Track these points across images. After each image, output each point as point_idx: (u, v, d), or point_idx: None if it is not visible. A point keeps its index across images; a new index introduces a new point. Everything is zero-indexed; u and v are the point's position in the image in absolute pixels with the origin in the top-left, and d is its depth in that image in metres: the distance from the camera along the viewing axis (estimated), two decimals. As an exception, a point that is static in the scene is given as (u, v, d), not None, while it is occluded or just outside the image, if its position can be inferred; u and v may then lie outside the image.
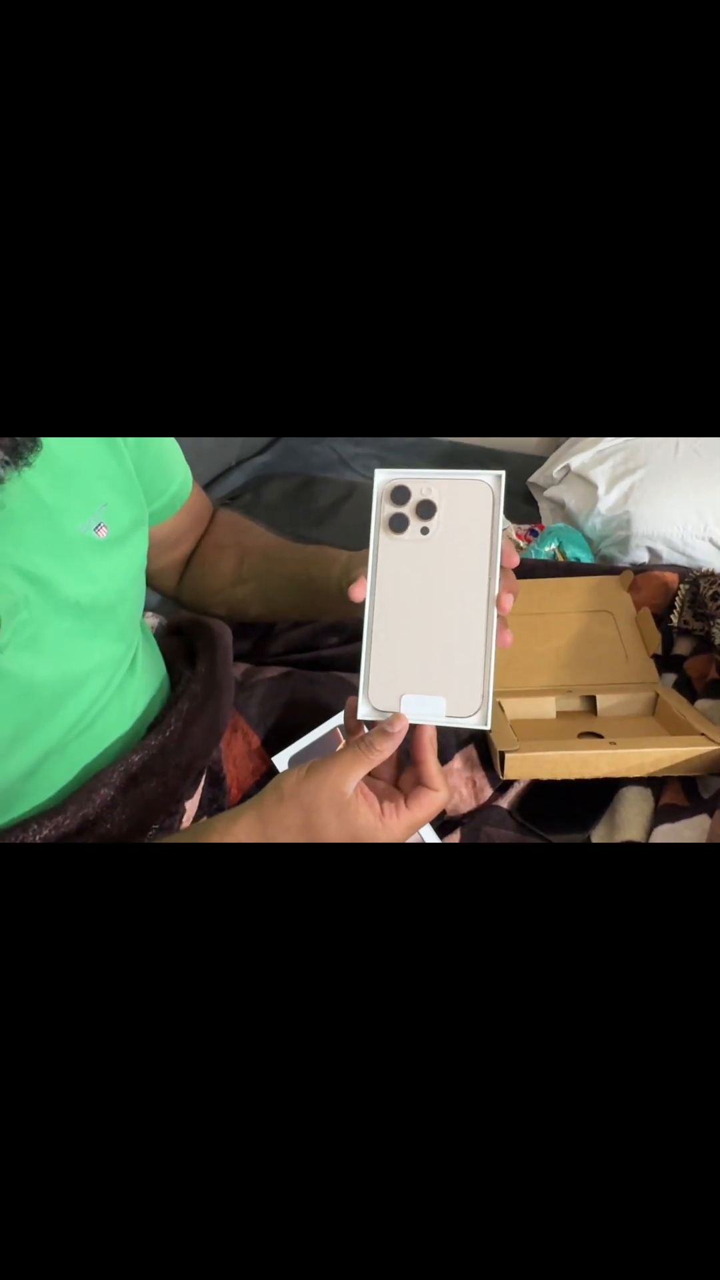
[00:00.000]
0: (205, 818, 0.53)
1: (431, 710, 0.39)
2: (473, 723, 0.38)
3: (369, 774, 0.40)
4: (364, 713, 0.40)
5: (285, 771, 0.39)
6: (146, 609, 0.81)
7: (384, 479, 0.40)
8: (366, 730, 0.40)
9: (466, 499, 0.39)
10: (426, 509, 0.39)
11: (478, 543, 0.39)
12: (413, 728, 0.39)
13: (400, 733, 0.38)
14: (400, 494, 0.39)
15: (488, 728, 0.38)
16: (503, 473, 0.39)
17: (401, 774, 0.42)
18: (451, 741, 0.60)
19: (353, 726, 0.41)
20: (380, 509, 0.40)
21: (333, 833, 0.38)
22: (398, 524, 0.39)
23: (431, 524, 0.39)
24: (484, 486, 0.39)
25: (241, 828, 0.38)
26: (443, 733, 0.41)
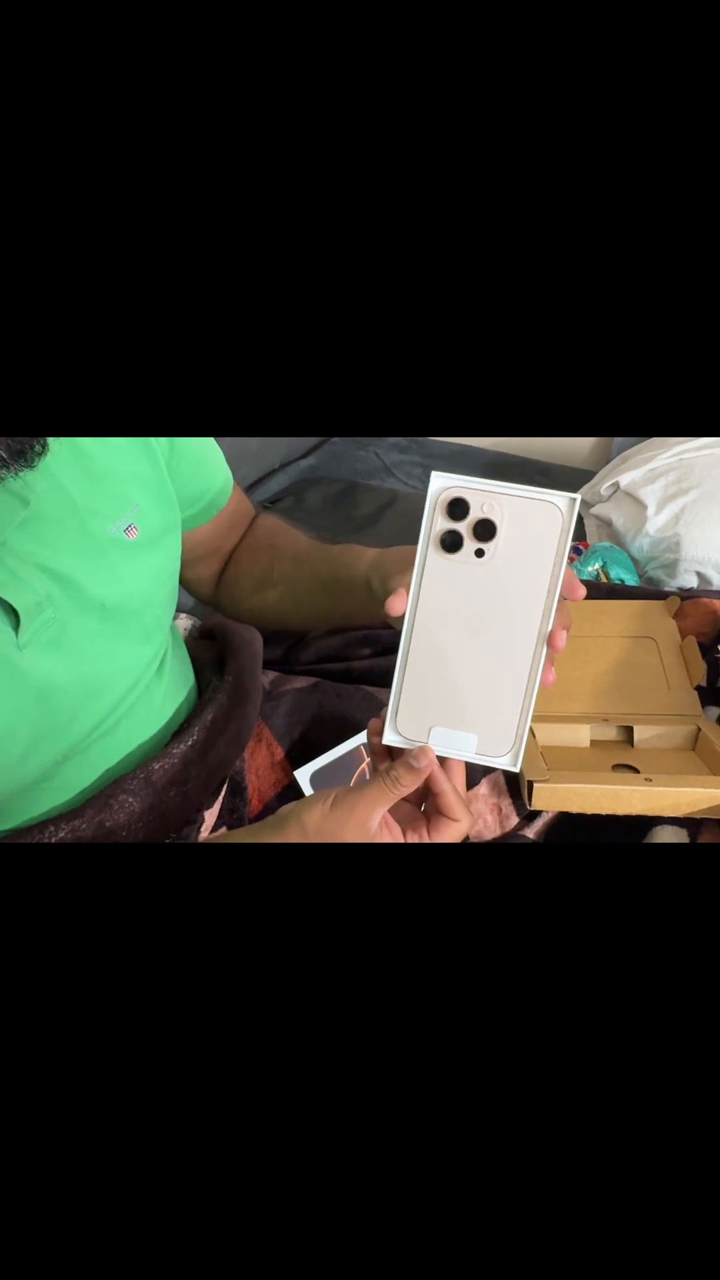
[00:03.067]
0: (224, 827, 0.53)
1: (461, 746, 0.37)
2: (503, 763, 0.37)
3: None
4: (389, 739, 0.38)
5: (309, 801, 0.38)
6: (180, 611, 0.82)
7: (440, 485, 0.35)
8: (390, 754, 0.39)
9: (532, 522, 0.34)
10: (486, 529, 0.35)
11: (538, 573, 0.35)
12: (441, 756, 0.38)
13: (427, 768, 0.37)
14: (458, 507, 0.35)
15: (518, 769, 0.36)
16: (578, 497, 0.34)
17: (427, 797, 0.40)
18: (478, 765, 0.58)
19: (376, 748, 0.40)
20: (433, 521, 0.35)
21: None
22: (451, 542, 0.35)
23: (489, 547, 0.35)
24: (554, 510, 0.34)
25: None
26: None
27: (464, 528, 0.35)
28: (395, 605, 0.36)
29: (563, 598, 0.35)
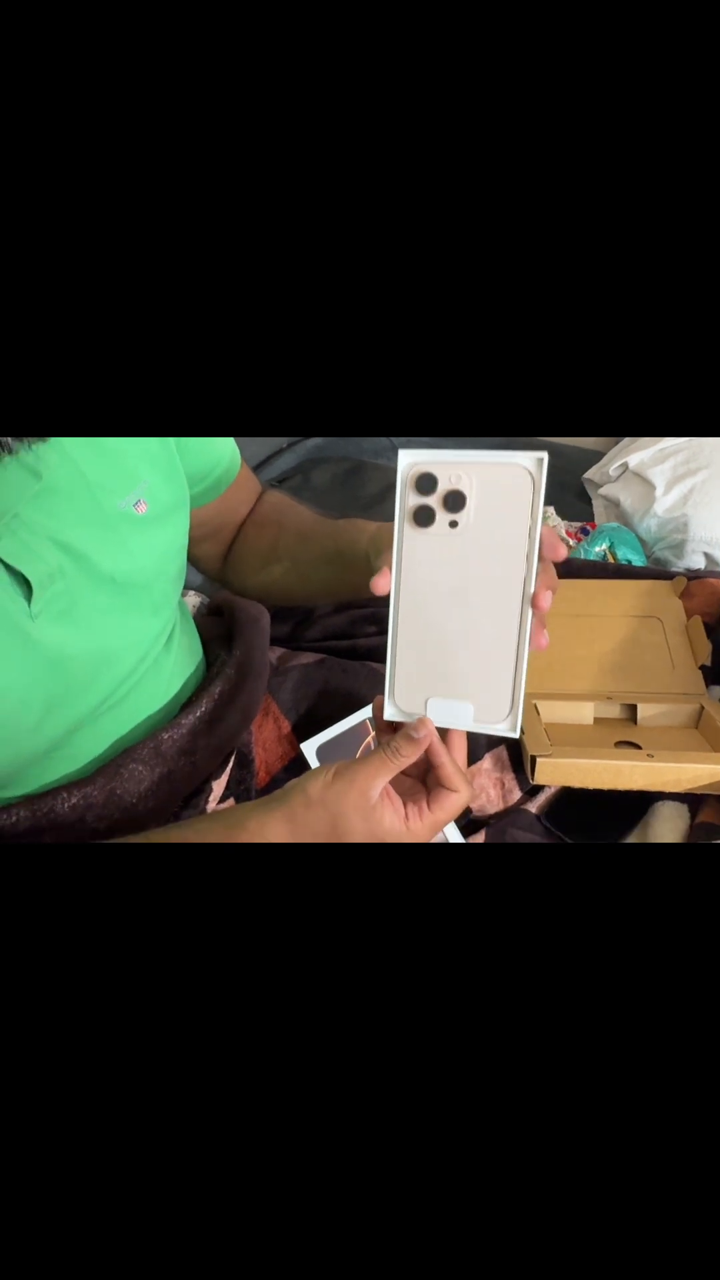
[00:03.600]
0: (232, 798, 0.54)
1: (458, 715, 0.38)
2: (501, 729, 0.37)
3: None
4: (389, 714, 0.39)
5: (313, 772, 0.39)
6: (188, 588, 0.82)
7: (408, 462, 0.36)
8: (395, 728, 0.40)
9: (502, 487, 0.35)
10: (455, 500, 0.35)
11: (514, 537, 0.35)
12: (442, 729, 0.39)
13: (426, 739, 0.38)
14: (426, 482, 0.35)
15: (517, 735, 0.37)
16: (544, 455, 0.34)
17: (429, 770, 0.41)
18: (482, 740, 0.59)
19: (380, 724, 0.41)
20: (405, 498, 0.36)
21: (359, 836, 0.38)
22: (423, 517, 0.36)
23: (461, 517, 0.35)
24: (522, 473, 0.34)
25: (272, 829, 0.39)
26: (473, 733, 0.40)
27: (434, 501, 0.35)
28: (379, 585, 0.37)
29: (544, 559, 0.36)
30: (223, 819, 0.42)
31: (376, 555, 0.48)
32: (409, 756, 0.37)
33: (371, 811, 0.37)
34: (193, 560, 0.62)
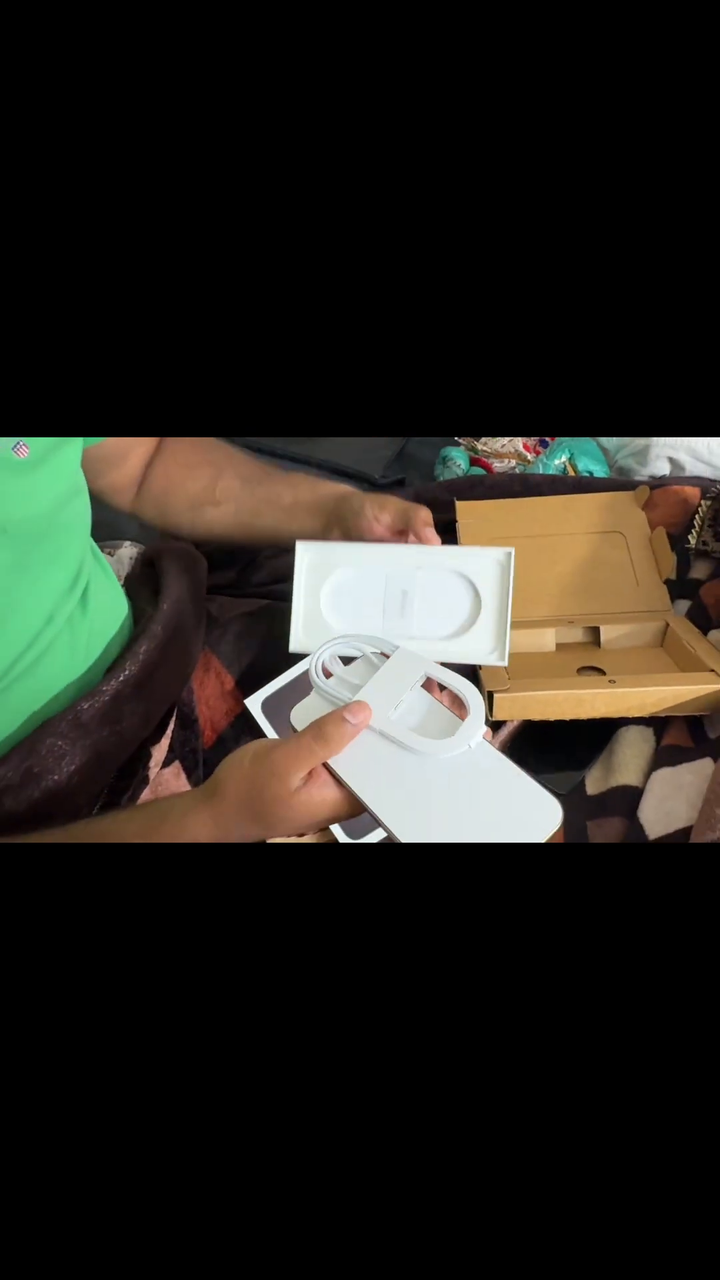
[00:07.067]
0: (177, 763, 0.51)
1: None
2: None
3: None
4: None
5: (230, 759, 0.36)
6: (123, 539, 0.77)
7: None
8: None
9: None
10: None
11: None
12: None
13: (361, 724, 0.35)
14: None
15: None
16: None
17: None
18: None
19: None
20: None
21: (292, 825, 0.35)
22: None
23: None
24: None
25: (194, 824, 0.36)
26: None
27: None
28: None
29: None
30: (143, 813, 0.39)
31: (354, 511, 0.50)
32: (337, 745, 0.34)
33: (293, 798, 0.34)
34: (101, 493, 0.58)
